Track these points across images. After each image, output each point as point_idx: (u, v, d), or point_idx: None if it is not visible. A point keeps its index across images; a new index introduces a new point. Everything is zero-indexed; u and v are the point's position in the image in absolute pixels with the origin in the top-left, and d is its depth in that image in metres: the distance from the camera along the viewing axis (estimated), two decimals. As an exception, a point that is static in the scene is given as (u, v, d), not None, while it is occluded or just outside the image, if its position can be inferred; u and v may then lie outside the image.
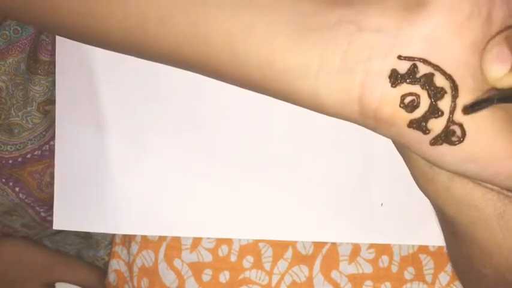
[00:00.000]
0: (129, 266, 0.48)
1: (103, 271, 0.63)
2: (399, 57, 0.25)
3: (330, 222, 0.45)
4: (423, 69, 0.25)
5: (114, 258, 0.50)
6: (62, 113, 0.47)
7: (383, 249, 0.45)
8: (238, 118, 0.45)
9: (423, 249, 0.44)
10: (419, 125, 0.25)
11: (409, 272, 0.45)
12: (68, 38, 0.33)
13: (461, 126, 0.25)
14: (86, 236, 0.64)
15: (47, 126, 0.56)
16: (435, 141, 0.25)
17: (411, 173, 0.30)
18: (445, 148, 0.25)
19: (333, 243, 0.45)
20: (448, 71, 0.25)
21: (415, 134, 0.26)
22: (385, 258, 0.45)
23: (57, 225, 0.48)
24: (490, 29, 0.25)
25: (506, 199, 0.27)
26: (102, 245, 0.64)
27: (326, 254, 0.45)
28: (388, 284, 0.45)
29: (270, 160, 0.45)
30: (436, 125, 0.25)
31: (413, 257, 0.45)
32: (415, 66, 0.25)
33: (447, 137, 0.25)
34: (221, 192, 0.45)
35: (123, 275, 0.49)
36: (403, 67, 0.25)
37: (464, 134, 0.25)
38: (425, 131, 0.25)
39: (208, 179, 0.46)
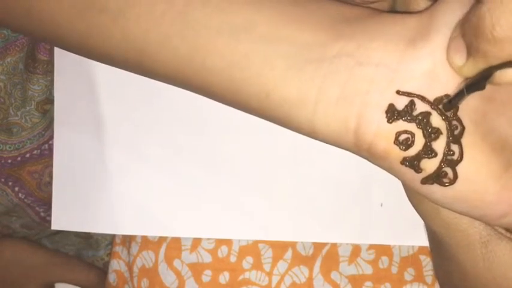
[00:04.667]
0: (129, 266, 0.48)
1: (103, 271, 0.63)
2: (398, 92, 0.25)
3: (330, 223, 0.45)
4: (421, 106, 0.25)
5: (115, 258, 0.50)
6: (61, 113, 0.47)
7: (383, 250, 0.45)
8: (238, 119, 0.45)
9: (423, 250, 0.44)
10: (412, 163, 0.25)
11: (409, 273, 0.45)
12: (68, 51, 0.33)
13: (453, 168, 0.25)
14: (86, 236, 0.64)
15: (46, 126, 0.55)
16: (426, 181, 0.26)
17: (404, 189, 0.30)
18: (436, 187, 0.25)
19: (333, 244, 0.45)
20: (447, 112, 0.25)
21: (407, 171, 0.26)
22: (385, 259, 0.45)
23: (55, 225, 0.48)
24: None
25: (492, 230, 0.28)
26: (102, 245, 0.64)
27: (326, 255, 0.45)
28: (388, 285, 0.45)
29: (270, 161, 0.45)
30: (429, 165, 0.25)
31: (414, 258, 0.45)
32: (412, 102, 0.25)
33: (438, 178, 0.25)
34: (221, 193, 0.45)
35: (123, 275, 0.49)
36: (401, 102, 0.25)
37: (456, 177, 0.25)
38: (418, 170, 0.25)
39: (208, 180, 0.45)
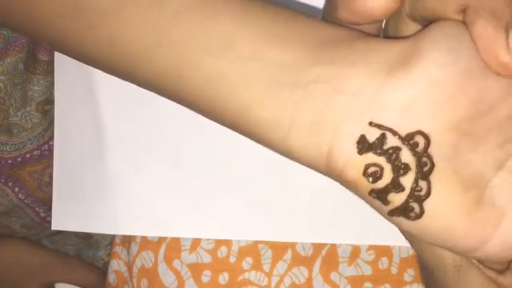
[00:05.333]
0: (129, 266, 0.48)
1: (102, 271, 0.63)
2: (370, 123, 0.25)
3: (330, 224, 0.45)
4: (392, 140, 0.25)
5: (114, 258, 0.50)
6: (61, 113, 0.47)
7: (383, 250, 0.45)
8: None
9: (423, 250, 0.44)
10: (379, 195, 0.25)
11: (408, 274, 0.45)
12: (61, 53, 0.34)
13: (420, 204, 0.25)
14: (86, 236, 0.64)
15: (46, 126, 0.56)
16: (393, 213, 0.26)
17: None
18: (403, 220, 0.26)
19: (333, 245, 0.45)
20: (417, 148, 0.25)
21: (375, 202, 0.26)
22: (384, 259, 0.45)
23: (55, 225, 0.48)
24: (477, 112, 0.24)
25: (463, 256, 0.28)
26: (101, 245, 0.64)
27: (325, 256, 0.45)
28: (387, 285, 0.45)
29: (270, 161, 0.45)
30: (396, 199, 0.25)
31: (413, 259, 0.45)
32: (384, 136, 0.25)
33: (405, 211, 0.25)
34: (220, 193, 0.45)
35: (123, 276, 0.49)
36: (372, 134, 0.25)
37: (422, 212, 0.25)
38: (385, 202, 0.25)
39: (208, 180, 0.45)
